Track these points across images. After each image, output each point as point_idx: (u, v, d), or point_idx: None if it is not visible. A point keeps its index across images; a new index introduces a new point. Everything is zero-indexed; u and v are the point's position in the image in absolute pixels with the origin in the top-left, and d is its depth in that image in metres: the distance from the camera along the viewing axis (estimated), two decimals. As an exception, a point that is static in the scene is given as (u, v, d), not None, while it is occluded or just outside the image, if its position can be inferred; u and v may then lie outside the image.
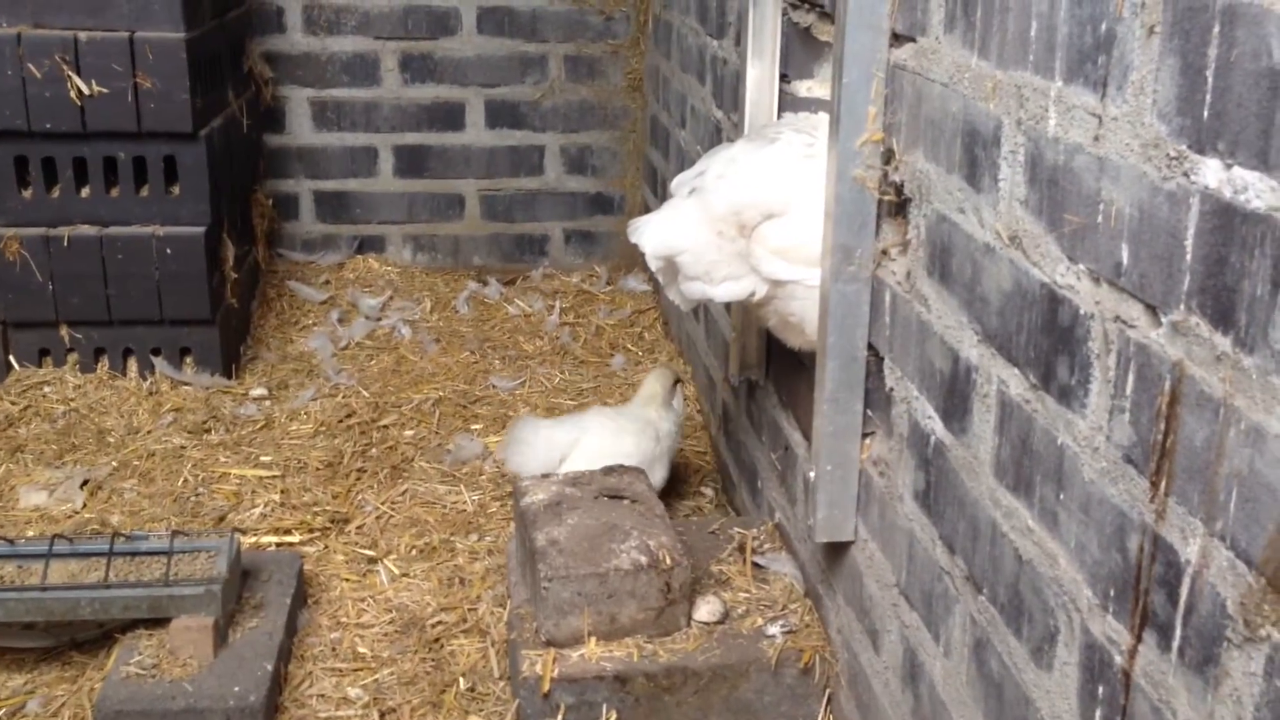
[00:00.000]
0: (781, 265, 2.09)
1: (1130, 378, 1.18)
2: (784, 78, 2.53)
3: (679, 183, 2.28)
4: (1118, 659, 1.21)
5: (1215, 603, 1.05)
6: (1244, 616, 1.00)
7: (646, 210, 4.28)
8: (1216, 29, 1.02)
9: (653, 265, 2.24)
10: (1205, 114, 1.04)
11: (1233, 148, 1.00)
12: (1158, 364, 1.13)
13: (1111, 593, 1.22)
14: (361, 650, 2.42)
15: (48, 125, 3.28)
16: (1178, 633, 1.10)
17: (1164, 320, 1.12)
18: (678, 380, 3.02)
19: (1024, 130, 1.39)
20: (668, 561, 2.16)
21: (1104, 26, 1.21)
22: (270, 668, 2.21)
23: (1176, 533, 1.10)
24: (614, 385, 3.65)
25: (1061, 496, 1.32)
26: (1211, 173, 1.03)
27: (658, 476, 2.83)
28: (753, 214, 2.11)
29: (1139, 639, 1.17)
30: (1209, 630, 1.06)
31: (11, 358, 3.50)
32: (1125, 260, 1.18)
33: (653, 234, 2.20)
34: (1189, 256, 1.07)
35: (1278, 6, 0.94)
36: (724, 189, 2.13)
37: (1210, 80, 1.03)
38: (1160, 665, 1.13)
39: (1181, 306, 1.08)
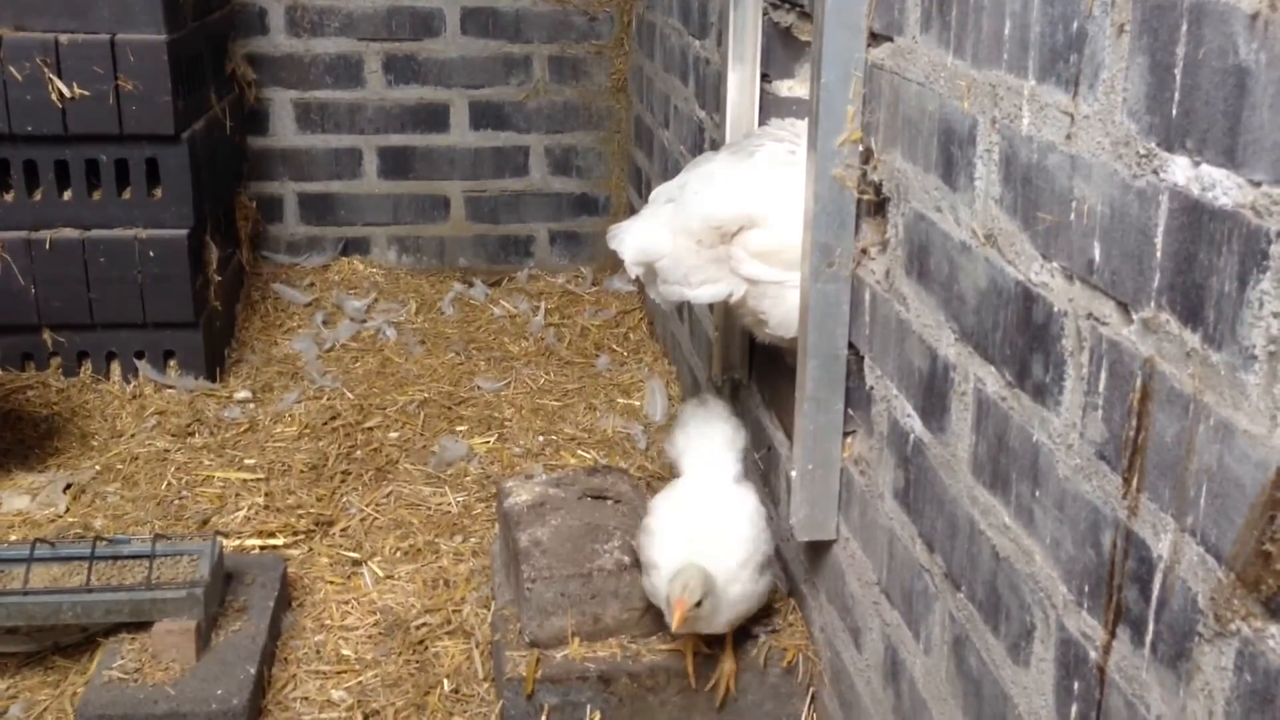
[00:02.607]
0: (761, 268, 2.12)
1: (1103, 374, 1.18)
2: (765, 77, 2.54)
3: (659, 193, 2.30)
4: (1092, 654, 1.21)
5: (1186, 598, 1.05)
6: (1214, 611, 1.01)
7: (631, 211, 4.29)
8: (1184, 27, 1.03)
9: (632, 272, 2.27)
10: (1174, 112, 1.05)
11: (1200, 145, 1.01)
12: (1129, 361, 1.13)
13: (1086, 589, 1.22)
14: (345, 653, 2.42)
15: (29, 128, 3.26)
16: (1150, 628, 1.11)
17: (1135, 317, 1.12)
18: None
19: (999, 129, 1.39)
20: (651, 561, 2.16)
21: (1075, 25, 1.21)
22: (253, 671, 2.20)
23: (1148, 528, 1.11)
24: (599, 386, 3.65)
25: (1037, 493, 1.33)
26: (1180, 170, 1.04)
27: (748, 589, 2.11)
28: (731, 226, 2.14)
29: (1113, 634, 1.17)
30: (1181, 625, 1.06)
31: (-6, 362, 3.49)
32: (1097, 258, 1.18)
33: (631, 241, 2.23)
34: (1159, 254, 1.08)
35: (1244, 5, 0.95)
36: (701, 204, 2.16)
37: (1178, 78, 1.04)
38: (1134, 660, 1.14)
39: (1152, 303, 1.09)
